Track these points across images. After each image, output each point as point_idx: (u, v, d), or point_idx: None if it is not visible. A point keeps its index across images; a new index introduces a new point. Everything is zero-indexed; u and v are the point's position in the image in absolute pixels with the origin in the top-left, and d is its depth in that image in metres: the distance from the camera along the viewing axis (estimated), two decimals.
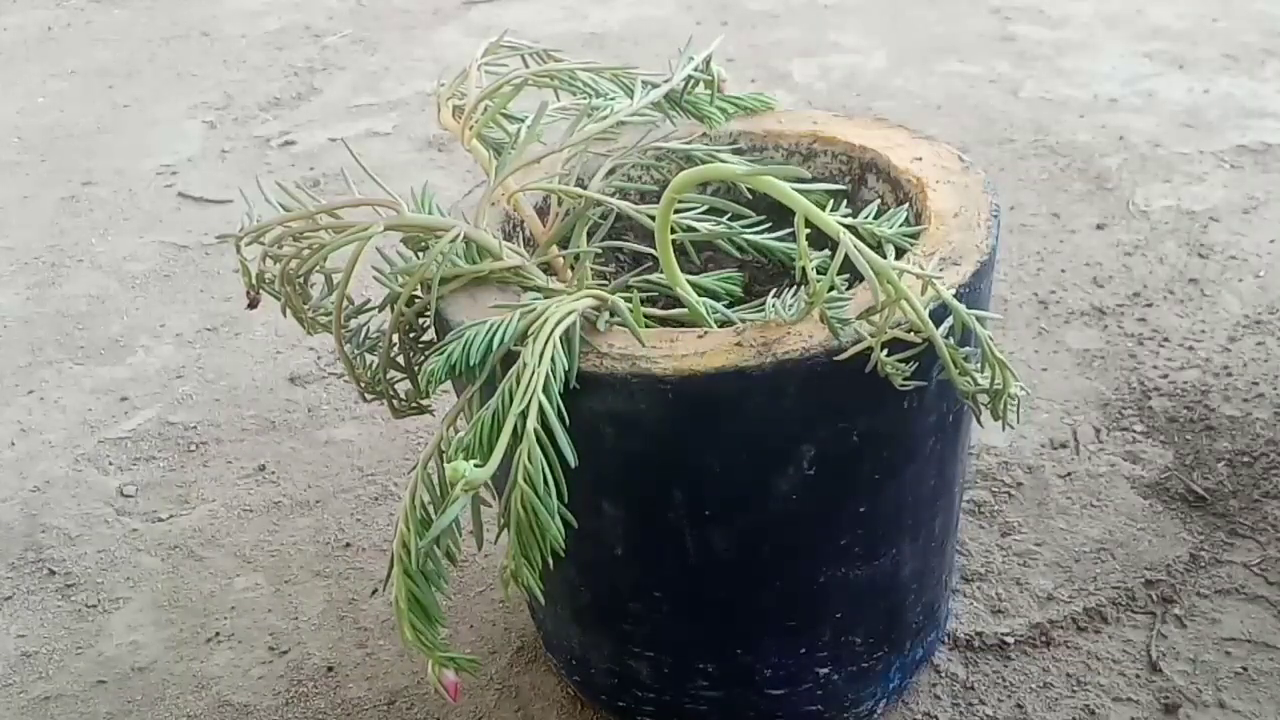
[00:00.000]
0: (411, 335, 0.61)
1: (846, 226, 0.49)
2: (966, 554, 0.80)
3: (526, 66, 0.65)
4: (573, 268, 0.63)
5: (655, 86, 0.62)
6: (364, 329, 0.62)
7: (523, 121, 0.63)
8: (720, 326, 0.58)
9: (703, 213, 0.63)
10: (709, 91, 0.68)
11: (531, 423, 0.49)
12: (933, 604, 0.69)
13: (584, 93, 0.65)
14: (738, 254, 0.63)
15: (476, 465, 0.48)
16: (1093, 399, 0.93)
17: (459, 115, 0.62)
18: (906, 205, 0.61)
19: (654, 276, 0.61)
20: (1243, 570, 0.77)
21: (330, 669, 0.78)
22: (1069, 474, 0.86)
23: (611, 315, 0.55)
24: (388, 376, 0.61)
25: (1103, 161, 1.25)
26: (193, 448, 0.99)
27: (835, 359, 0.51)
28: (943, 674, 0.73)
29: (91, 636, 0.82)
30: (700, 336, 0.53)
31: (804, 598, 0.62)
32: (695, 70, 0.65)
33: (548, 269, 0.63)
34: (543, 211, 0.66)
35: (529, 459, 0.49)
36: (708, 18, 1.75)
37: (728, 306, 0.60)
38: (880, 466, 0.58)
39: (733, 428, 0.53)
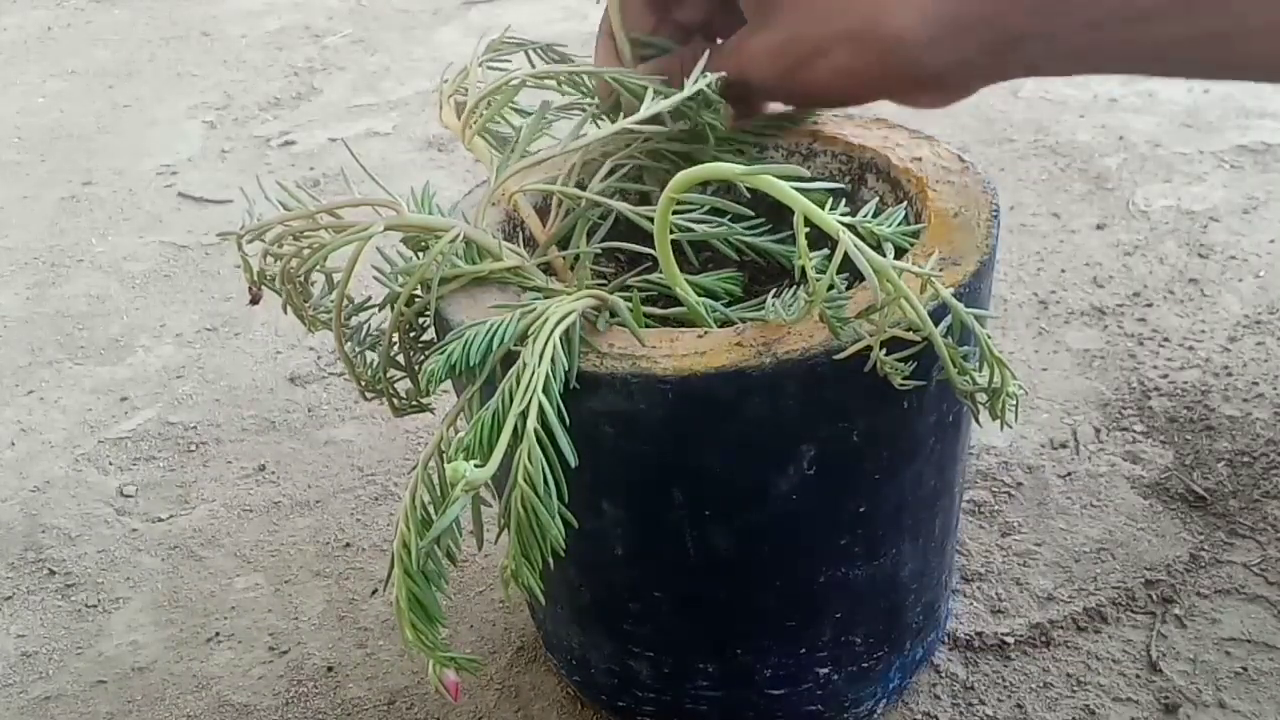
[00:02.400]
0: (411, 334, 0.61)
1: (846, 225, 0.49)
2: (966, 554, 0.80)
3: (531, 64, 0.65)
4: (573, 268, 0.63)
5: (666, 97, 0.61)
6: (364, 328, 0.62)
7: (525, 118, 0.63)
8: (720, 326, 0.58)
9: (703, 213, 0.63)
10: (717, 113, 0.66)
11: (531, 423, 0.49)
12: (933, 604, 0.69)
13: (587, 97, 0.64)
14: (736, 255, 0.63)
15: (477, 465, 0.48)
16: (1093, 399, 0.93)
17: (460, 113, 0.62)
18: (905, 205, 0.61)
19: (654, 276, 0.61)
20: (1243, 570, 0.77)
21: (330, 669, 0.78)
22: (1069, 474, 0.86)
23: (611, 315, 0.55)
24: (388, 375, 0.61)
25: (1103, 161, 1.25)
26: (193, 448, 0.99)
27: (835, 358, 0.51)
28: (943, 674, 0.73)
29: (91, 636, 0.82)
30: (700, 336, 0.53)
31: (804, 598, 0.62)
32: (709, 87, 0.63)
33: (548, 269, 0.63)
34: (543, 211, 0.66)
35: (529, 459, 0.49)
36: None
37: (726, 305, 0.60)
38: (880, 467, 0.58)
39: (733, 428, 0.53)
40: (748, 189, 0.65)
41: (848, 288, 0.52)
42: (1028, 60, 0.56)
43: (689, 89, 0.61)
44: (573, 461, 0.50)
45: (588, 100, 0.65)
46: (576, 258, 0.62)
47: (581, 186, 0.63)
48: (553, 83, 0.65)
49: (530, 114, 0.63)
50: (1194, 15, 0.50)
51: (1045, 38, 0.54)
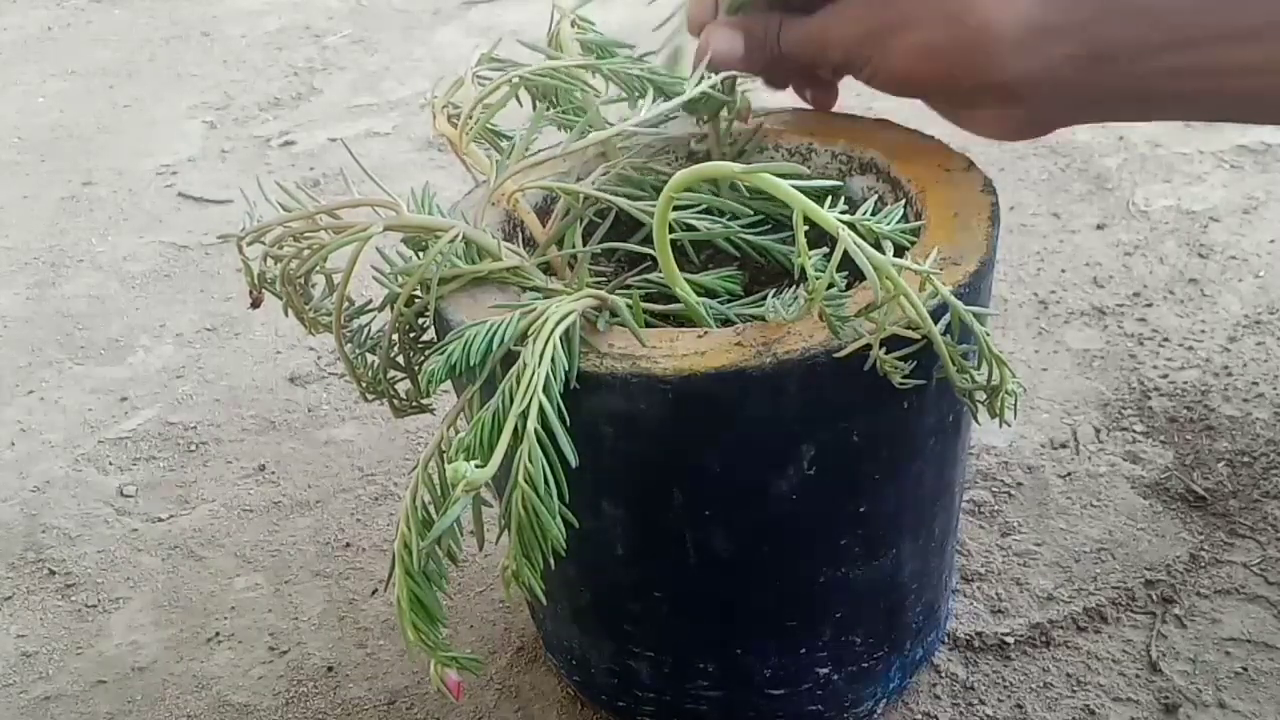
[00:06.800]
0: (411, 335, 0.61)
1: (845, 223, 0.49)
2: (966, 554, 0.80)
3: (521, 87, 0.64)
4: (572, 267, 0.63)
5: (668, 98, 0.61)
6: (365, 329, 0.62)
7: (513, 136, 0.63)
8: (720, 324, 0.58)
9: (701, 212, 0.63)
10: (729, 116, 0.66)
11: (532, 423, 0.49)
12: (933, 604, 0.69)
13: (581, 106, 0.64)
14: (736, 254, 0.63)
15: (477, 466, 0.48)
16: (1093, 399, 0.93)
17: (454, 122, 0.62)
18: (905, 204, 0.61)
19: (653, 275, 0.61)
20: (1243, 570, 0.77)
21: (330, 669, 0.78)
22: (1069, 474, 0.86)
23: (611, 315, 0.55)
24: (388, 376, 0.61)
25: (1103, 161, 1.25)
26: (193, 448, 0.99)
27: (835, 356, 0.51)
28: (943, 674, 0.73)
29: (91, 636, 0.82)
30: (700, 336, 0.53)
31: (804, 598, 0.62)
32: (712, 88, 0.63)
33: (548, 269, 0.63)
34: (543, 211, 0.66)
35: (529, 459, 0.49)
36: None
37: (725, 304, 0.60)
38: (880, 466, 0.58)
39: (733, 427, 0.53)
40: (747, 188, 0.65)
41: (847, 287, 0.52)
42: (1110, 85, 0.55)
43: (690, 92, 0.61)
44: (573, 462, 0.50)
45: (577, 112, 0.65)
46: (575, 257, 0.62)
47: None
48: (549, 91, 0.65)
49: (511, 138, 0.62)
50: None
51: (1132, 55, 0.53)
